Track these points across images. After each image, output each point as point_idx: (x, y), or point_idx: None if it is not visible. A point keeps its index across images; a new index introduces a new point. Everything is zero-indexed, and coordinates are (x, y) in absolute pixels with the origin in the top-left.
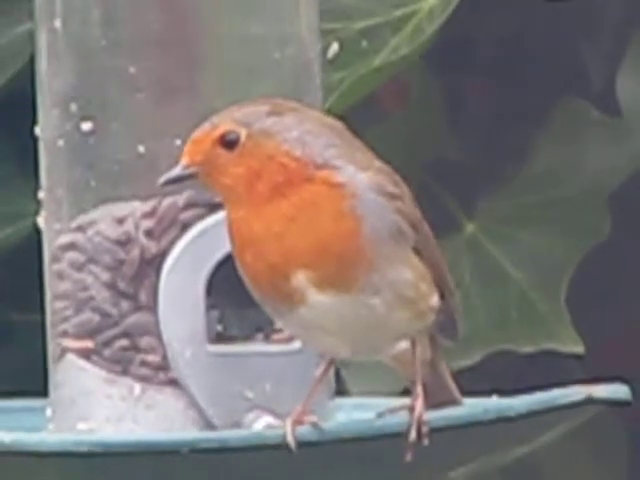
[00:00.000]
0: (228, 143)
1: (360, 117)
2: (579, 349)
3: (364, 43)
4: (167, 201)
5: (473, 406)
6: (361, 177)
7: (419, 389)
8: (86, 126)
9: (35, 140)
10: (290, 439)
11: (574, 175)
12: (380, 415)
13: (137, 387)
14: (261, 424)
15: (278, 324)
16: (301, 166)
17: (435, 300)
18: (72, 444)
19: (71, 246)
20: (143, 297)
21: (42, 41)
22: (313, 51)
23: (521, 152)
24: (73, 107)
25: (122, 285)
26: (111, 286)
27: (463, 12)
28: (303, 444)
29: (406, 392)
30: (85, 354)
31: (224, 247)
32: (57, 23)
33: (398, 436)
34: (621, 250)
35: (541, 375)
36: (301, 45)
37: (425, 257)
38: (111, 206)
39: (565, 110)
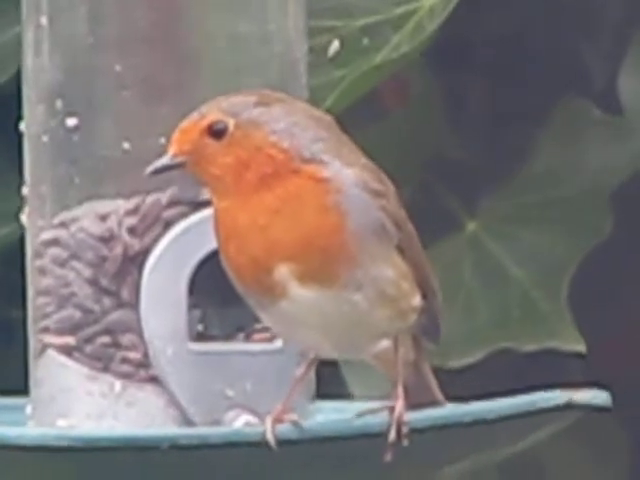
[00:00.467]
0: (216, 133)
1: (360, 115)
2: (580, 348)
3: (365, 41)
4: (150, 199)
5: (454, 408)
6: (347, 173)
7: (400, 390)
8: (71, 122)
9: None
10: (270, 437)
11: (575, 174)
12: (360, 415)
13: (118, 384)
14: (241, 422)
15: (261, 318)
16: (288, 158)
17: (417, 300)
18: (53, 438)
19: (54, 242)
20: (125, 294)
21: (29, 38)
22: (300, 50)
23: (522, 151)
24: (59, 103)
25: (104, 282)
26: (93, 283)
27: (464, 10)
28: (283, 442)
29: None
30: (66, 350)
31: (207, 245)
32: (43, 20)
33: (377, 436)
34: (622, 249)
35: (542, 374)
36: (288, 44)
37: (408, 256)
38: (95, 203)
39: (566, 109)
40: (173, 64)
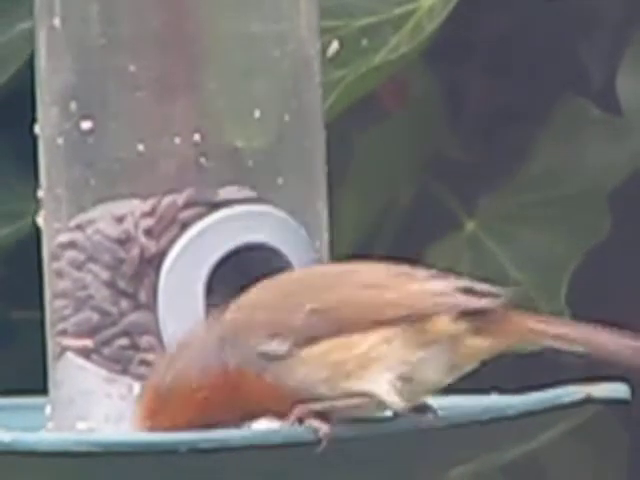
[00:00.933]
0: None
1: (360, 116)
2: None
3: (364, 41)
4: (167, 200)
5: (473, 405)
6: None
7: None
8: (86, 125)
9: (35, 139)
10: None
11: (574, 173)
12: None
13: (137, 386)
14: (261, 425)
15: None
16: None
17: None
18: (72, 444)
19: (70, 245)
20: (142, 296)
21: (41, 39)
22: (313, 49)
23: (521, 150)
24: (73, 106)
25: (121, 284)
26: (110, 285)
27: (463, 10)
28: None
29: None
30: (84, 353)
31: (224, 246)
32: (56, 21)
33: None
34: (621, 249)
35: (542, 373)
36: (301, 43)
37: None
38: (110, 205)
39: (565, 108)
40: (186, 64)
